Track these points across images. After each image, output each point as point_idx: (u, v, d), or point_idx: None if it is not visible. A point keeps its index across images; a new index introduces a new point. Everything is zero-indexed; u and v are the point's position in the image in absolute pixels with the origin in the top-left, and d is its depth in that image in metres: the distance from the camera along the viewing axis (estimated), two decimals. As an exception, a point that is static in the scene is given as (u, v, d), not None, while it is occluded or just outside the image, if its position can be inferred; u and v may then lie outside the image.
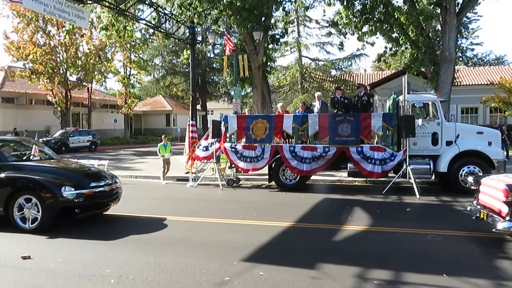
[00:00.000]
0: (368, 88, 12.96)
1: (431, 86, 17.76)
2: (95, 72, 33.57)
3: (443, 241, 6.13)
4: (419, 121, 10.59)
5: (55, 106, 32.15)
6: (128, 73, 37.70)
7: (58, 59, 31.07)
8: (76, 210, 6.99)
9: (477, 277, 4.57)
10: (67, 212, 6.93)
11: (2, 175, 6.97)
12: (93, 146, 29.52)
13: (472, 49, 49.12)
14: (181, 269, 4.92)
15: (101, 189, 7.26)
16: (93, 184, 7.18)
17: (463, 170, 10.27)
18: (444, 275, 4.64)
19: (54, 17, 15.63)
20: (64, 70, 31.46)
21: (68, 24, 18.56)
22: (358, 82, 19.00)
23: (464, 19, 32.69)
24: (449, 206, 8.98)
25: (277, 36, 19.34)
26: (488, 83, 27.17)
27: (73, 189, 6.81)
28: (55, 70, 30.28)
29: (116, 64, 36.08)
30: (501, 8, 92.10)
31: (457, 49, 22.15)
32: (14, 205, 6.78)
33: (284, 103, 21.75)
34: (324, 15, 38.56)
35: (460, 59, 44.69)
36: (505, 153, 14.62)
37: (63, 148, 26.76)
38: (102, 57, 33.50)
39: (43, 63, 29.24)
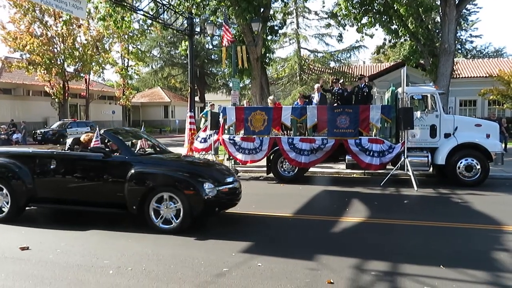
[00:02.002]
0: (367, 80, 12.91)
1: (430, 78, 17.75)
2: (93, 63, 33.32)
3: (440, 233, 6.16)
4: (417, 113, 10.59)
5: (52, 97, 31.97)
6: (126, 64, 37.52)
7: (55, 50, 30.83)
8: (216, 209, 6.46)
9: (474, 269, 4.60)
10: (208, 210, 6.32)
11: (133, 171, 6.29)
12: (91, 138, 29.44)
13: (471, 41, 49.00)
14: (179, 260, 4.94)
15: (234, 185, 6.71)
16: (228, 180, 6.64)
17: (461, 163, 10.29)
18: (441, 266, 4.67)
19: (51, 7, 15.48)
20: (62, 61, 31.23)
21: (65, 15, 18.38)
22: (360, 73, 18.90)
23: (464, 11, 32.56)
24: (447, 198, 9.01)
25: (276, 28, 19.25)
26: (487, 75, 27.14)
27: (212, 185, 6.21)
28: (53, 61, 30.06)
29: (114, 55, 35.90)
30: (501, 0, 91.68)
31: (456, 41, 22.10)
32: (150, 204, 6.15)
33: (275, 96, 21.63)
34: (323, 6, 38.43)
35: (459, 51, 44.57)
36: (503, 145, 14.70)
37: (61, 140, 26.66)
38: (99, 48, 33.27)
39: (40, 54, 29.02)
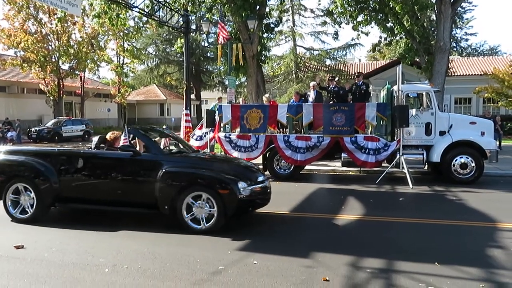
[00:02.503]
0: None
1: (425, 76, 17.82)
2: (88, 61, 33.21)
3: (435, 230, 6.20)
4: (413, 111, 10.63)
5: (47, 95, 31.81)
6: (121, 62, 37.36)
7: (50, 47, 30.67)
8: (250, 208, 6.33)
9: (469, 266, 4.63)
10: (241, 210, 6.18)
11: (165, 170, 6.10)
12: (86, 136, 29.29)
13: (467, 39, 49.12)
14: (175, 258, 4.93)
15: (266, 183, 6.52)
16: (260, 178, 6.45)
17: (456, 160, 10.34)
18: (436, 263, 4.70)
19: (45, 4, 15.38)
20: (56, 59, 31.08)
21: (60, 12, 18.24)
22: (358, 71, 19.00)
23: (459, 9, 32.68)
24: (442, 195, 9.05)
25: (272, 25, 19.25)
26: (482, 73, 27.28)
27: (245, 184, 6.04)
28: (47, 59, 29.91)
29: (109, 53, 35.77)
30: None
31: (451, 39, 22.18)
32: (182, 204, 5.99)
33: (271, 95, 21.62)
34: (319, 4, 38.48)
35: (454, 49, 44.69)
36: (498, 143, 14.79)
37: (56, 138, 26.55)
38: (94, 46, 33.13)
39: (35, 51, 28.85)
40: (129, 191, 6.39)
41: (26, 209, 6.63)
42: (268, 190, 6.60)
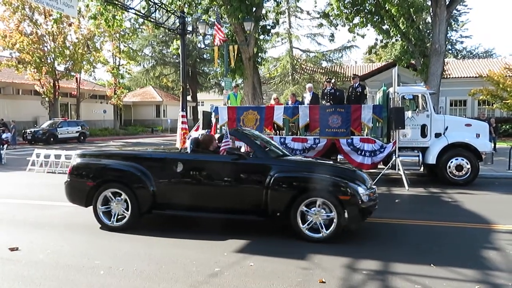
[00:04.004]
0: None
1: (421, 78, 17.91)
2: (84, 62, 33.11)
3: (431, 231, 6.21)
4: (408, 113, 10.67)
5: (43, 96, 31.68)
6: (117, 63, 37.27)
7: (45, 49, 30.57)
8: (367, 216, 5.83)
9: (464, 267, 4.65)
10: (361, 217, 5.69)
11: (277, 175, 5.69)
12: (82, 137, 29.23)
13: (462, 42, 49.49)
14: (171, 260, 4.91)
15: (375, 189, 6.07)
16: (370, 184, 5.98)
17: (451, 162, 10.39)
18: (432, 265, 4.71)
19: (41, 5, 15.33)
20: (52, 60, 30.98)
21: (55, 13, 18.23)
22: (353, 73, 19.05)
23: (454, 11, 32.85)
24: (437, 197, 9.09)
25: (268, 27, 19.25)
26: (477, 75, 27.47)
27: (363, 190, 5.61)
28: (43, 60, 29.80)
29: (105, 54, 35.68)
30: (490, 2, 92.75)
31: (446, 42, 22.31)
32: (297, 211, 5.56)
33: (268, 96, 21.68)
34: (315, 6, 38.37)
35: (450, 51, 44.99)
36: (493, 145, 14.86)
37: (52, 139, 26.46)
38: (90, 47, 33.05)
39: (30, 52, 28.75)
40: (234, 197, 5.96)
41: (120, 216, 6.24)
42: (376, 196, 6.05)
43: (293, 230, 5.65)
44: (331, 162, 7.36)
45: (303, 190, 5.64)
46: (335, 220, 5.46)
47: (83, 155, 6.72)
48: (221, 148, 6.24)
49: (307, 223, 5.59)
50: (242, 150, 6.83)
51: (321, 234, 5.52)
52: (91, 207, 6.35)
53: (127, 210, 6.16)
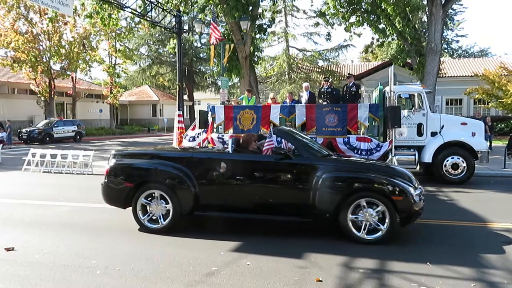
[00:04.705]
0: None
1: (417, 77, 17.98)
2: (80, 61, 32.95)
3: (427, 230, 6.23)
4: (404, 112, 10.70)
5: (38, 95, 31.51)
6: (113, 62, 37.13)
7: (41, 48, 30.38)
8: (418, 217, 5.68)
9: (460, 265, 4.67)
10: (413, 218, 5.57)
11: (326, 175, 5.56)
12: (78, 137, 29.11)
13: (457, 41, 49.64)
14: (168, 259, 4.91)
15: (422, 190, 5.88)
16: (417, 184, 5.85)
17: (447, 161, 10.45)
18: (428, 263, 4.73)
19: (36, 4, 15.26)
20: (48, 59, 30.80)
21: (51, 11, 18.14)
22: (348, 72, 19.11)
23: (450, 11, 32.98)
24: (433, 196, 9.12)
25: (265, 26, 19.28)
26: (472, 74, 27.57)
27: (413, 189, 5.53)
28: (38, 59, 29.62)
29: (101, 53, 35.50)
30: (486, 1, 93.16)
31: (442, 41, 22.40)
32: (347, 212, 5.45)
33: (264, 95, 21.72)
34: (311, 5, 38.75)
35: (445, 50, 45.10)
36: (488, 144, 14.94)
37: (47, 139, 26.33)
38: (86, 46, 32.88)
39: (26, 52, 28.57)
40: (279, 197, 5.84)
41: (160, 218, 6.07)
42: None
43: (343, 231, 5.54)
44: (380, 162, 7.26)
45: (354, 190, 5.51)
46: (387, 221, 5.36)
47: (119, 156, 6.53)
48: (264, 148, 6.18)
49: (358, 224, 5.47)
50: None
51: (377, 234, 5.42)
52: (129, 208, 6.27)
53: (168, 212, 6.02)
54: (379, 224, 5.43)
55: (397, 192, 5.39)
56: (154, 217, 6.13)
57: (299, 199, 5.72)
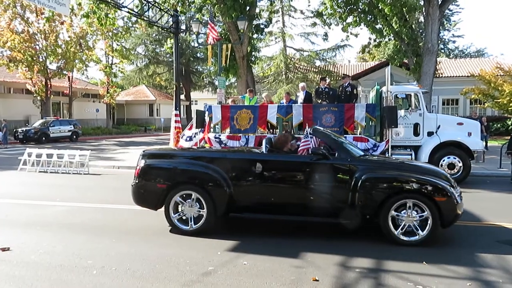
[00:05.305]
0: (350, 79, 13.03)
1: (413, 77, 18.02)
2: (76, 61, 32.87)
3: (423, 229, 6.24)
4: (401, 112, 10.73)
5: (34, 95, 31.40)
6: (110, 62, 37.05)
7: (37, 47, 30.28)
8: (459, 217, 5.58)
9: (456, 265, 4.69)
10: (455, 219, 5.49)
11: (366, 176, 5.46)
12: (74, 136, 29.01)
13: (454, 41, 49.88)
14: (164, 259, 4.90)
15: (459, 190, 5.75)
16: (455, 184, 5.70)
17: (443, 160, 10.49)
18: (424, 262, 4.75)
19: (33, 3, 15.20)
20: (44, 58, 30.71)
21: (47, 11, 18.07)
22: (343, 73, 19.15)
23: (447, 11, 33.09)
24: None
25: (262, 26, 19.28)
26: (469, 75, 27.69)
27: (455, 190, 5.46)
28: (34, 58, 29.53)
29: (97, 53, 35.46)
30: (482, 2, 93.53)
31: (439, 41, 22.48)
32: (388, 213, 5.36)
33: (269, 93, 21.75)
34: (309, 5, 38.71)
35: (442, 51, 45.31)
36: (484, 143, 15.01)
37: (44, 138, 26.24)
38: (83, 45, 32.80)
39: (22, 51, 28.47)
40: (316, 198, 5.72)
41: (189, 220, 5.96)
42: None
43: (384, 232, 5.47)
44: (420, 162, 7.13)
45: (396, 191, 5.42)
46: (429, 222, 5.28)
47: (150, 156, 6.36)
48: (300, 148, 6.11)
49: (400, 227, 5.37)
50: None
51: (417, 236, 5.36)
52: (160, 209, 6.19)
53: (201, 217, 5.91)
54: (418, 228, 5.35)
55: (440, 193, 5.31)
56: (184, 218, 6.01)
57: (337, 200, 5.64)
